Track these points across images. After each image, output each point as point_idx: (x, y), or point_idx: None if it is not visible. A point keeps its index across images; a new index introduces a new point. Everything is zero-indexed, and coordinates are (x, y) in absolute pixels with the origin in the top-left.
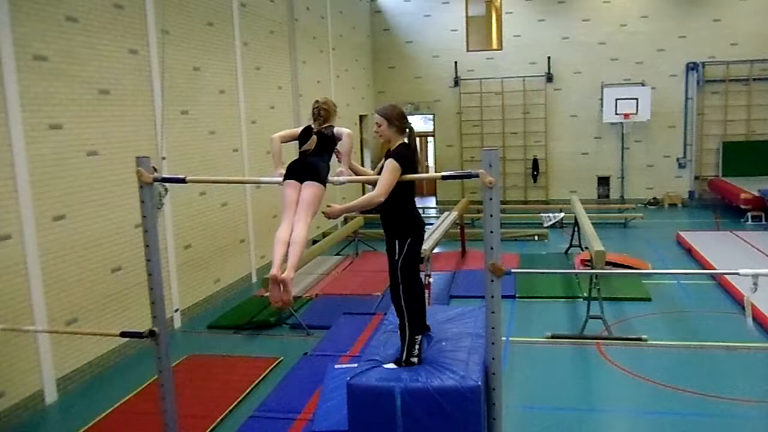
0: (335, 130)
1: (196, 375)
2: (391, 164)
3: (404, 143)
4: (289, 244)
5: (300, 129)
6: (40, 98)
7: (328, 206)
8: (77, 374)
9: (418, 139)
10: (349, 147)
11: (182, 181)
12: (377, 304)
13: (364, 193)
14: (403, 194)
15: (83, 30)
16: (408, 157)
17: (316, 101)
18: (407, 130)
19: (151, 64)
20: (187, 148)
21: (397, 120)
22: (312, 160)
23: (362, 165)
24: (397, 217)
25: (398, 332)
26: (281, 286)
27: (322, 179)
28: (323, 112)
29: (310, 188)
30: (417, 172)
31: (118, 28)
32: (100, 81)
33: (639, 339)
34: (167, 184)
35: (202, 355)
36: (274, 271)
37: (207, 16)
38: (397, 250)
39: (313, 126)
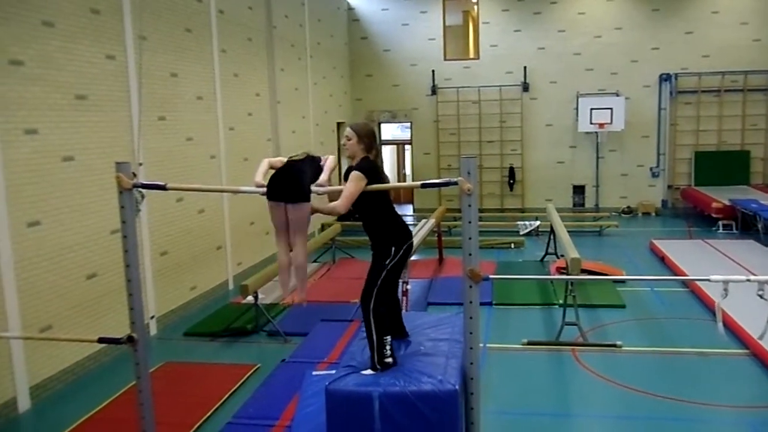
0: (322, 157)
1: (173, 382)
2: (354, 175)
3: (366, 157)
4: (291, 269)
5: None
6: (15, 103)
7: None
8: (52, 381)
9: (395, 147)
10: (333, 164)
11: (162, 187)
12: (355, 311)
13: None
14: (380, 203)
15: (60, 35)
16: (371, 168)
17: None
18: (374, 150)
19: (128, 70)
20: (164, 155)
21: (366, 138)
22: (297, 168)
23: (340, 175)
24: (385, 223)
25: None
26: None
27: (306, 191)
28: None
29: (297, 212)
30: (385, 182)
31: (95, 33)
32: (77, 86)
33: (614, 345)
34: (144, 190)
35: (178, 362)
36: (287, 299)
37: (185, 23)
38: (392, 254)
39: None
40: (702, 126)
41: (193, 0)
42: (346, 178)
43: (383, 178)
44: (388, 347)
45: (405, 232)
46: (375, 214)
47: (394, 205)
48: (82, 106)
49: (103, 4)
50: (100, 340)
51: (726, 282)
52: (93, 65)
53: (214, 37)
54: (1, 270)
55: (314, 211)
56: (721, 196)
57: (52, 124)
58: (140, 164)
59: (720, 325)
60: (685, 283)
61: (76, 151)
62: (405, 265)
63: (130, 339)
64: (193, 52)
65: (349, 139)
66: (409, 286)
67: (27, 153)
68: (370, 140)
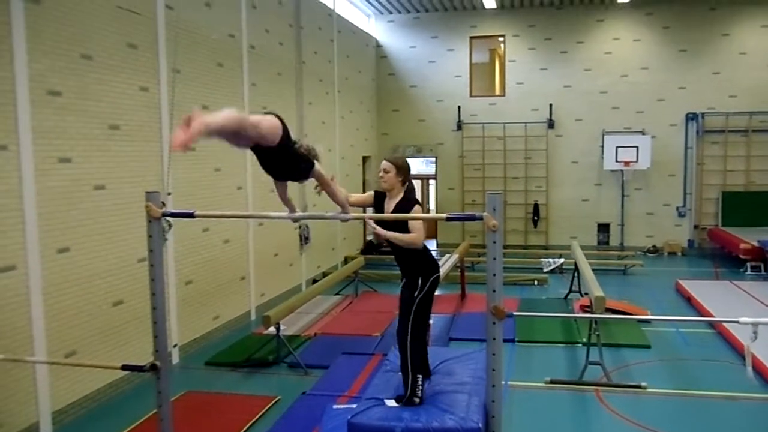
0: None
1: (193, 411)
2: (418, 209)
3: (409, 191)
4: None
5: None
6: (51, 132)
7: (375, 229)
8: (73, 407)
9: (420, 182)
10: (324, 175)
11: (190, 215)
12: (376, 344)
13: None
14: None
15: (97, 67)
16: (418, 201)
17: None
18: (407, 183)
19: (161, 102)
20: (192, 185)
21: (404, 171)
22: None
23: (364, 209)
24: (419, 256)
25: (399, 372)
26: (188, 125)
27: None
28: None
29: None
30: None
31: (131, 66)
32: (111, 116)
33: (638, 386)
34: (171, 220)
35: (199, 392)
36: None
37: (217, 57)
38: (419, 286)
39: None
40: (729, 166)
41: (226, 35)
42: (397, 210)
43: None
44: (420, 386)
45: (433, 265)
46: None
47: None
48: (115, 136)
49: (139, 39)
50: (124, 368)
51: (755, 324)
52: (127, 96)
53: (245, 71)
54: (30, 295)
55: (386, 238)
56: (749, 237)
57: (85, 153)
58: (169, 194)
59: (749, 369)
60: (712, 325)
61: (107, 180)
62: (433, 299)
63: (153, 367)
64: (224, 85)
65: (387, 172)
66: (431, 321)
67: (60, 181)
68: (406, 175)
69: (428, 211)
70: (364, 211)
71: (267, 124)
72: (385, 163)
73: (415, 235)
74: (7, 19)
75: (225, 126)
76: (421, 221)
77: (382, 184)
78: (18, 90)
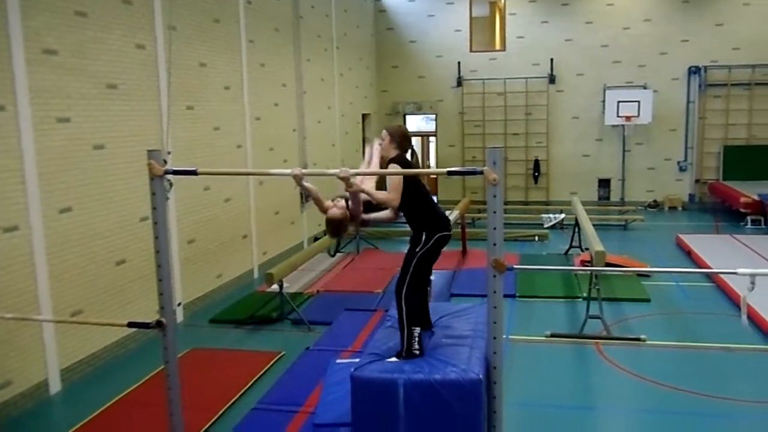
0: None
1: (199, 368)
2: (395, 167)
3: (399, 153)
4: None
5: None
6: (48, 92)
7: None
8: (81, 365)
9: (420, 139)
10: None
11: (193, 173)
12: (378, 300)
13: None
14: (415, 192)
15: (92, 24)
16: (403, 160)
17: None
18: (406, 150)
19: (158, 60)
20: (192, 143)
21: (398, 137)
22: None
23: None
24: (420, 212)
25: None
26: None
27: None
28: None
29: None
30: (418, 176)
31: (126, 23)
32: (108, 75)
33: (638, 339)
34: (172, 179)
35: (204, 349)
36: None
37: (213, 13)
38: (422, 242)
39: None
40: (731, 120)
41: None
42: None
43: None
44: (416, 338)
45: (440, 222)
46: (410, 203)
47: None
48: (113, 95)
49: None
50: (130, 325)
51: (753, 275)
52: (124, 55)
53: (242, 28)
54: (34, 255)
55: (364, 191)
56: (749, 191)
57: (84, 113)
58: (168, 152)
59: (744, 317)
60: (710, 278)
61: (107, 140)
62: (437, 256)
63: (159, 324)
64: (221, 42)
65: (382, 140)
66: (432, 277)
67: (59, 141)
68: (402, 140)
69: (429, 167)
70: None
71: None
72: (383, 132)
73: (387, 194)
74: None
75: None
76: (398, 182)
77: (381, 152)
78: (13, 49)
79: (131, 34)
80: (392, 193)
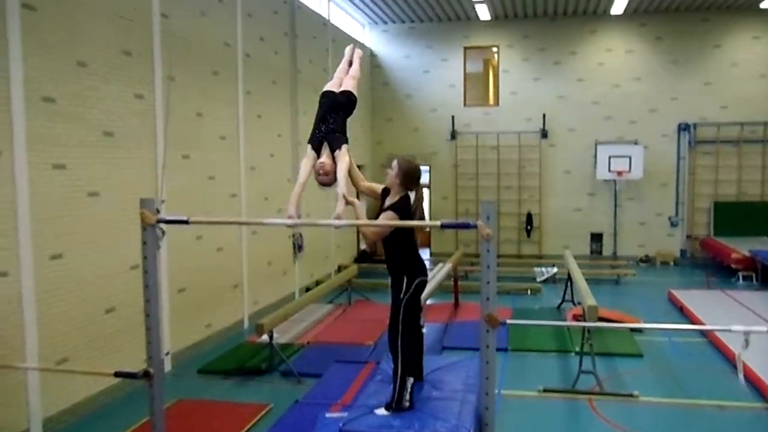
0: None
1: (186, 419)
2: (389, 215)
3: (406, 196)
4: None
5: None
6: (45, 138)
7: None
8: (65, 415)
9: None
10: (345, 166)
11: (185, 222)
12: (370, 353)
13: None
14: (405, 238)
15: (92, 74)
16: (404, 210)
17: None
18: (414, 190)
19: (155, 109)
20: (186, 192)
21: (405, 175)
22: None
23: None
24: (404, 257)
25: (391, 380)
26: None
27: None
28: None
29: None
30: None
31: (126, 73)
32: (105, 123)
33: (630, 395)
34: (165, 228)
35: (191, 400)
36: None
37: (213, 65)
38: (403, 288)
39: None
40: (721, 176)
41: (221, 44)
42: (379, 213)
43: (413, 218)
44: (408, 390)
45: (419, 267)
46: (396, 247)
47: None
48: (110, 143)
49: (134, 46)
50: (117, 374)
51: (747, 333)
52: (122, 104)
53: (240, 80)
54: (23, 301)
55: (350, 202)
56: (740, 247)
57: (79, 160)
58: (162, 201)
59: (741, 376)
60: (703, 334)
61: (101, 187)
62: (421, 304)
63: (146, 374)
64: (219, 93)
65: (391, 170)
66: (424, 330)
67: (54, 187)
68: (407, 179)
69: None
70: (381, 206)
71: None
72: (393, 162)
73: (371, 229)
74: (2, 25)
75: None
76: (389, 225)
77: (385, 182)
78: (13, 96)
79: (130, 83)
80: (375, 233)
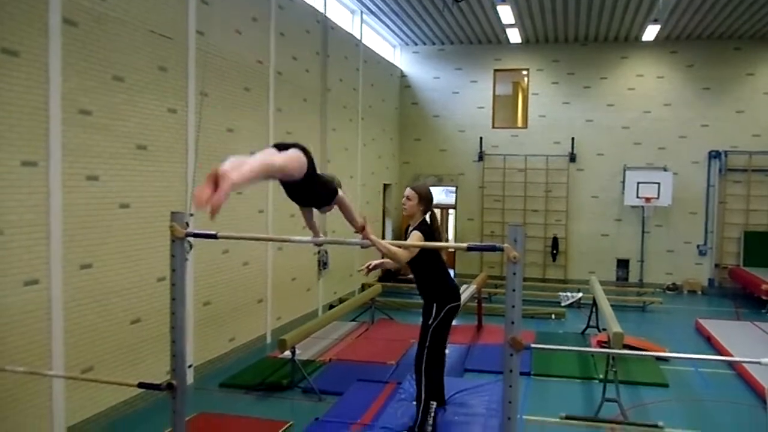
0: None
1: None
2: (415, 234)
3: (425, 221)
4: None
5: None
6: (80, 150)
7: (368, 235)
8: (88, 423)
9: (440, 211)
10: (350, 204)
11: (213, 237)
12: (391, 372)
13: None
14: (433, 262)
15: (128, 88)
16: (428, 231)
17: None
18: (429, 212)
19: (187, 124)
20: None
21: (426, 200)
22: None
23: (383, 236)
24: (434, 282)
25: (413, 402)
26: (215, 183)
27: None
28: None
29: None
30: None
31: (160, 88)
32: (139, 136)
33: (655, 426)
34: (192, 241)
35: (212, 413)
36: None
37: (245, 82)
38: (433, 313)
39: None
40: (752, 205)
41: (254, 61)
42: (408, 233)
43: (437, 239)
44: (432, 414)
45: (451, 294)
46: (425, 272)
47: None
48: (142, 156)
49: (170, 62)
50: (140, 385)
51: None
52: (155, 118)
53: (271, 97)
54: (52, 309)
55: (377, 243)
56: None
57: (112, 172)
58: (191, 215)
59: None
60: (732, 365)
61: (132, 199)
62: (449, 326)
63: (169, 386)
64: (250, 110)
65: (409, 200)
66: (447, 351)
67: (86, 198)
68: (428, 202)
69: (447, 240)
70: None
71: (293, 164)
72: (408, 191)
73: (400, 250)
74: (44, 39)
75: (252, 179)
76: (416, 246)
77: (404, 211)
78: (51, 108)
79: (164, 98)
80: (406, 250)
